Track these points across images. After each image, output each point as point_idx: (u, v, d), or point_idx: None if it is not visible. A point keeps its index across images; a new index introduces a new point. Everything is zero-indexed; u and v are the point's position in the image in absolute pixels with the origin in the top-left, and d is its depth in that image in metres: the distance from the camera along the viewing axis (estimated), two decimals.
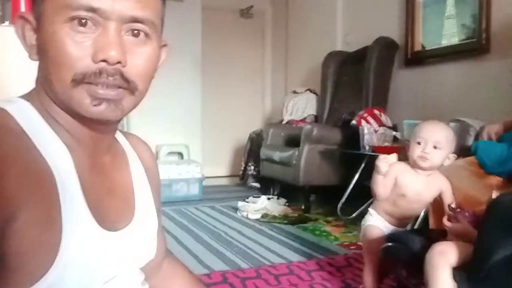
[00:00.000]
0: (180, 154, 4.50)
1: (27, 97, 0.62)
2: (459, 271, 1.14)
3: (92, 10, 0.55)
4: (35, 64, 0.62)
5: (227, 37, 5.25)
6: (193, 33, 4.60)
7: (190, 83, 4.62)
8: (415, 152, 1.46)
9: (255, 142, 4.33)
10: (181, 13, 4.42)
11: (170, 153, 4.44)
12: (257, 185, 4.25)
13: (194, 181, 3.86)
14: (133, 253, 0.68)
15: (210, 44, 4.93)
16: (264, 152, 3.80)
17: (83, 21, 0.55)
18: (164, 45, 0.68)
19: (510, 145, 1.61)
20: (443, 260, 1.15)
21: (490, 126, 1.80)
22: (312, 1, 4.59)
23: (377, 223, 1.56)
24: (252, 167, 4.35)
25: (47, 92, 0.60)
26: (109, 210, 0.63)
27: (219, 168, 5.19)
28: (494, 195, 1.21)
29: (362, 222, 1.63)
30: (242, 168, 4.47)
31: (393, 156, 1.49)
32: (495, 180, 1.66)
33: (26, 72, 0.70)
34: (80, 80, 0.56)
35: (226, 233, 2.69)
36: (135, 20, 0.58)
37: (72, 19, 0.55)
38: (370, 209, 1.62)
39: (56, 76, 0.57)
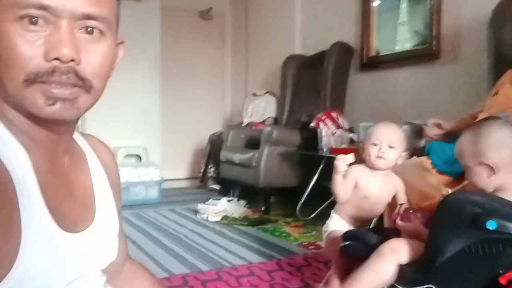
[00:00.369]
0: (138, 157, 4.41)
1: None
2: (410, 268, 1.19)
3: (43, 7, 0.54)
4: None
5: (186, 38, 5.21)
6: (152, 34, 4.53)
7: (149, 85, 4.55)
8: (372, 152, 1.51)
9: (215, 144, 4.31)
10: (139, 13, 4.35)
11: (128, 155, 4.34)
12: (217, 187, 4.24)
13: (153, 184, 3.80)
14: (94, 255, 0.68)
15: (169, 45, 4.87)
16: (224, 154, 3.79)
17: (34, 19, 0.54)
18: (121, 43, 0.67)
19: None
20: (393, 257, 1.20)
21: (429, 131, 1.92)
22: (271, 4, 4.64)
23: (340, 227, 1.57)
24: (212, 169, 4.33)
25: (1, 95, 0.58)
26: (69, 212, 0.62)
27: (178, 170, 5.14)
28: (445, 192, 1.27)
29: (324, 228, 1.63)
30: (202, 171, 4.44)
31: (350, 156, 1.52)
32: (445, 178, 1.74)
33: None
34: (33, 79, 0.54)
35: (186, 236, 2.67)
36: (88, 17, 0.57)
37: (22, 17, 0.54)
38: (332, 214, 1.62)
39: (8, 77, 0.55)
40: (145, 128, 4.51)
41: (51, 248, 0.58)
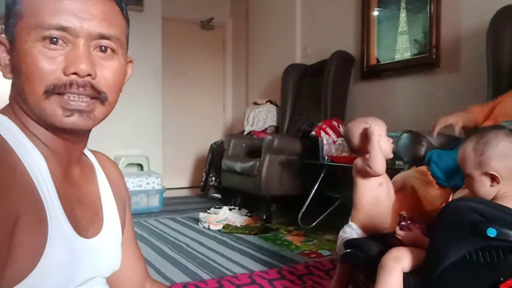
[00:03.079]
0: (140, 166, 4.42)
1: (1, 112, 0.65)
2: (411, 275, 1.19)
3: (63, 29, 0.60)
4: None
5: (187, 48, 5.24)
6: (154, 44, 4.57)
7: (150, 94, 4.58)
8: (387, 144, 1.56)
9: (216, 153, 4.32)
10: (141, 23, 4.39)
11: (130, 164, 4.36)
12: (218, 196, 4.24)
13: (154, 192, 3.81)
14: (101, 261, 0.70)
15: (170, 55, 4.91)
16: (225, 163, 3.80)
17: (54, 39, 0.60)
18: (130, 61, 0.73)
19: None
20: (397, 265, 1.20)
21: (447, 116, 1.83)
22: (271, 14, 4.68)
23: (355, 235, 1.55)
24: (214, 178, 4.34)
25: (21, 106, 0.63)
26: (80, 217, 0.66)
27: (180, 179, 5.14)
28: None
29: (341, 233, 1.61)
30: (203, 179, 4.45)
31: (383, 128, 1.57)
32: (445, 191, 1.75)
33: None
34: (52, 91, 0.60)
35: (188, 244, 2.67)
36: (102, 37, 0.63)
37: (45, 38, 0.60)
38: (350, 222, 1.60)
39: (30, 89, 0.61)
40: (147, 137, 4.54)
41: (69, 250, 0.62)
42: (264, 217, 3.30)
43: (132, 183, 3.72)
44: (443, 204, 1.24)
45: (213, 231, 3.02)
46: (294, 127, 3.83)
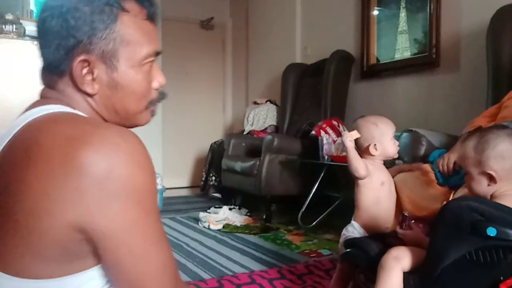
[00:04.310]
0: None
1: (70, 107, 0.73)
2: (412, 275, 1.19)
3: (158, 54, 0.77)
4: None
5: (187, 48, 5.24)
6: None
7: None
8: (393, 146, 1.57)
9: (216, 152, 4.32)
10: None
11: None
12: (218, 195, 4.24)
13: None
14: None
15: (170, 55, 4.90)
16: (225, 163, 3.80)
17: (151, 61, 0.76)
18: None
19: None
20: (397, 265, 1.20)
21: (449, 156, 1.81)
22: (271, 14, 4.68)
23: (357, 234, 1.55)
24: (214, 178, 4.34)
25: (110, 113, 0.75)
26: None
27: (180, 179, 5.14)
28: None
29: (343, 231, 1.61)
30: (203, 179, 4.45)
31: (355, 132, 1.56)
32: (444, 190, 1.75)
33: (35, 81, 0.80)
34: (149, 104, 0.79)
35: (188, 244, 2.67)
36: (159, 53, 0.79)
37: (148, 62, 0.75)
38: (353, 221, 1.59)
39: (134, 104, 0.76)
40: (147, 137, 4.50)
41: None
42: (264, 217, 3.30)
43: None
44: (444, 203, 1.23)
45: (213, 230, 3.02)
46: (294, 126, 3.83)
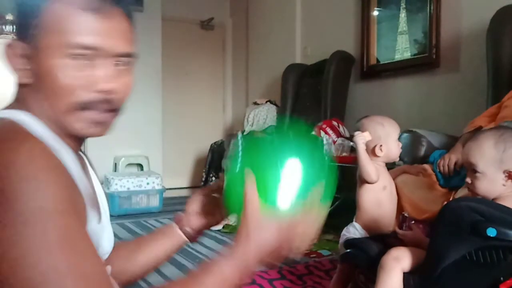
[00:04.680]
0: (140, 166, 4.42)
1: (15, 108, 0.66)
2: (411, 275, 1.19)
3: (89, 48, 0.64)
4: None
5: (187, 48, 5.24)
6: (153, 44, 4.57)
7: (150, 94, 4.58)
8: (397, 148, 1.56)
9: (217, 153, 4.32)
10: (141, 23, 4.38)
11: (130, 164, 4.36)
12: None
13: (154, 192, 3.80)
14: (107, 241, 0.77)
15: (170, 55, 4.91)
16: (226, 163, 3.79)
17: (81, 56, 0.64)
18: None
19: None
20: (397, 265, 1.20)
21: (450, 157, 1.81)
22: (271, 14, 4.68)
23: (358, 235, 1.55)
24: (214, 178, 4.33)
25: (43, 111, 0.66)
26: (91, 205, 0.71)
27: (180, 179, 5.14)
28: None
29: (344, 232, 1.59)
30: (203, 179, 4.44)
31: (368, 134, 1.52)
32: (445, 191, 1.75)
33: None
34: (80, 108, 0.65)
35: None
36: (122, 54, 0.68)
37: (71, 55, 0.64)
38: (354, 222, 1.59)
39: (57, 104, 0.65)
40: (147, 137, 4.54)
41: (94, 237, 0.65)
42: None
43: (132, 183, 3.71)
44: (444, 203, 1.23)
45: (213, 231, 3.02)
46: None
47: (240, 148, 0.79)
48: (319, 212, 0.76)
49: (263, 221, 0.70)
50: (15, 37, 0.67)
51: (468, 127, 1.96)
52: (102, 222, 0.74)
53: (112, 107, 0.68)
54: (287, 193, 0.72)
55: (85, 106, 0.65)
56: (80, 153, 0.81)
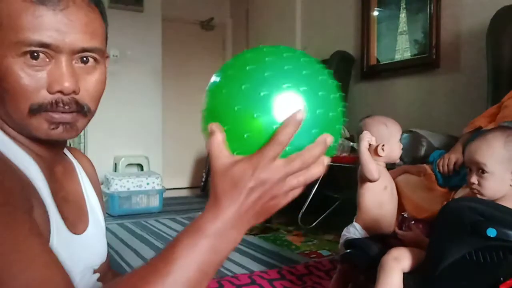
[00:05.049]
0: (140, 166, 4.42)
1: None
2: (411, 276, 1.19)
3: (44, 45, 0.58)
4: None
5: (187, 48, 5.24)
6: (153, 44, 4.57)
7: (150, 94, 4.58)
8: (399, 149, 1.57)
9: None
10: (140, 24, 4.39)
11: (130, 165, 4.36)
12: None
13: (154, 193, 3.80)
14: (91, 255, 0.72)
15: (170, 56, 4.91)
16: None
17: (36, 54, 0.58)
18: (107, 56, 0.70)
19: None
20: (397, 265, 1.20)
21: (449, 156, 1.80)
22: (271, 14, 4.68)
23: (358, 235, 1.54)
24: None
25: (2, 117, 0.63)
26: (67, 215, 0.67)
27: (180, 179, 5.14)
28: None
29: (344, 232, 1.59)
30: (203, 179, 4.45)
31: (374, 139, 1.53)
32: (445, 191, 1.75)
33: None
34: (37, 110, 0.60)
35: None
36: (85, 50, 0.61)
37: (25, 53, 0.58)
38: (354, 223, 1.59)
39: (14, 107, 0.60)
40: (147, 138, 4.54)
41: (65, 247, 0.62)
42: None
43: (132, 183, 3.71)
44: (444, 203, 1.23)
45: None
46: None
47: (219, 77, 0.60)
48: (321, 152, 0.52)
49: (233, 172, 0.49)
50: None
51: (468, 127, 1.96)
52: (88, 232, 0.71)
53: (75, 109, 0.62)
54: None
55: (45, 108, 0.60)
56: (73, 160, 0.78)
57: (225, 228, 0.52)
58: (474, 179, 1.17)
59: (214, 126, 0.51)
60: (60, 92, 0.59)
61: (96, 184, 0.83)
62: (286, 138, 0.47)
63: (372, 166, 1.48)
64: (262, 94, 0.49)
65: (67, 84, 0.59)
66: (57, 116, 0.61)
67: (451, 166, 1.77)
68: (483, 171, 1.15)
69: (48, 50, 0.58)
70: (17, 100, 0.59)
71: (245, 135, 0.49)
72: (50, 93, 0.59)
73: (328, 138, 0.51)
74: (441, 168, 1.80)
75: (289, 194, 0.54)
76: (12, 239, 0.48)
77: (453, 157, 1.78)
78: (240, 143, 0.50)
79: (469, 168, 1.21)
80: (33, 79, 0.58)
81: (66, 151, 0.79)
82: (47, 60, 0.59)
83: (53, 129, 0.61)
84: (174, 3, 4.96)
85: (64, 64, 0.60)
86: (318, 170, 0.54)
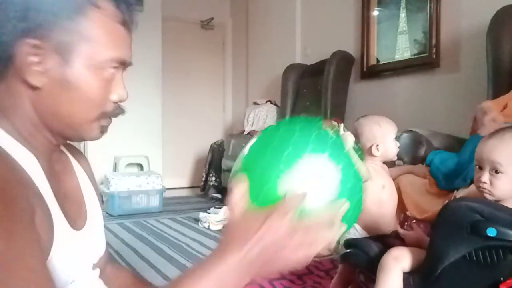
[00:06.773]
0: (140, 166, 4.42)
1: None
2: (411, 275, 1.19)
3: (123, 63, 0.67)
4: None
5: (187, 48, 5.24)
6: (153, 44, 4.57)
7: (150, 94, 4.57)
8: (395, 148, 1.56)
9: (216, 153, 4.32)
10: (141, 23, 4.35)
11: (130, 164, 4.36)
12: (218, 196, 4.24)
13: (154, 192, 3.80)
14: (91, 250, 0.74)
15: (170, 55, 4.91)
16: (225, 163, 3.80)
17: (110, 68, 0.65)
18: None
19: (471, 157, 1.59)
20: (397, 265, 1.20)
21: (491, 116, 1.80)
22: (271, 14, 4.68)
23: (358, 235, 1.55)
24: (214, 178, 4.34)
25: (53, 116, 0.65)
26: (67, 211, 0.67)
27: (180, 179, 5.14)
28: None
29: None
30: (203, 179, 4.45)
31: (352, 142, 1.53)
32: (446, 192, 1.75)
33: None
34: (101, 117, 0.67)
35: (188, 244, 2.67)
36: (130, 64, 0.70)
37: (104, 68, 0.64)
38: (355, 224, 1.61)
39: (85, 112, 0.65)
40: (147, 137, 4.53)
41: (68, 244, 0.63)
42: None
43: (132, 183, 3.71)
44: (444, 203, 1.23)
45: (213, 231, 3.02)
46: None
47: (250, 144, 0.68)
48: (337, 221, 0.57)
49: (247, 219, 0.54)
50: (34, 35, 0.60)
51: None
52: (86, 227, 0.72)
53: (122, 114, 0.71)
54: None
55: (105, 115, 0.67)
56: (68, 155, 0.78)
57: (228, 272, 0.53)
58: (485, 178, 1.14)
59: (240, 177, 0.58)
60: (120, 101, 0.69)
61: (92, 177, 0.84)
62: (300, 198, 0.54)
63: (360, 166, 1.48)
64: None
65: (126, 96, 0.68)
66: (107, 124, 0.69)
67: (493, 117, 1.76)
68: (497, 171, 1.13)
69: (121, 65, 0.67)
70: (89, 108, 0.65)
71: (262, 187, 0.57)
72: (113, 102, 0.67)
73: (345, 204, 0.56)
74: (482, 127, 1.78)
75: (300, 251, 0.55)
76: (10, 256, 0.46)
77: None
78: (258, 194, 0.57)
79: (480, 166, 1.17)
80: (104, 90, 0.65)
81: (62, 147, 0.79)
82: (116, 72, 0.67)
83: (101, 132, 0.69)
84: (174, 3, 4.96)
85: (122, 77, 0.68)
86: (329, 232, 0.56)
